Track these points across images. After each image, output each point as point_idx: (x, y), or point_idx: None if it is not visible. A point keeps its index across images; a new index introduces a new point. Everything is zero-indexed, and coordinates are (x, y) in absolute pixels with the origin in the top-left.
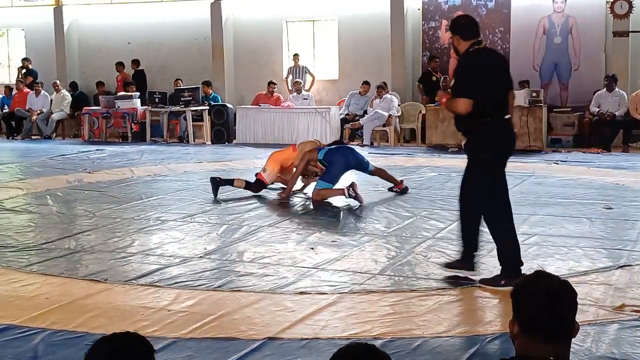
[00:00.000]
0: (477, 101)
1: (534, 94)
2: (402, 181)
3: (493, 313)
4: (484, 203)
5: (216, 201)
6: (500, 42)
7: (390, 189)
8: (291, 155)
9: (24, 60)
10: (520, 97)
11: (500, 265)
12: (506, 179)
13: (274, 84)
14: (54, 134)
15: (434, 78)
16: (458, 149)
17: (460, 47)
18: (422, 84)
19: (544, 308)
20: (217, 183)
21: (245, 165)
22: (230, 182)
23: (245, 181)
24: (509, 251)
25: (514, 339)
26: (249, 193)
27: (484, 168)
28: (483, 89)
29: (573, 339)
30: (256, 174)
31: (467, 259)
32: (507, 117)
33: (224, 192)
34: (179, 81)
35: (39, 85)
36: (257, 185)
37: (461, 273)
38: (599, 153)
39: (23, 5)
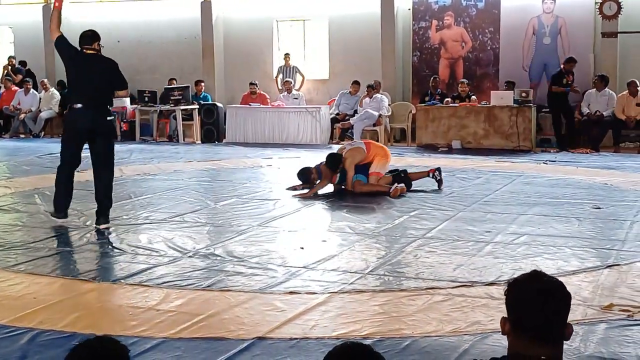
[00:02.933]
0: (69, 92)
1: (523, 94)
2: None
3: (482, 312)
4: (60, 164)
5: (206, 201)
6: (490, 43)
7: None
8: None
9: (10, 58)
10: (510, 98)
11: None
12: (79, 151)
13: (255, 84)
14: (43, 133)
15: (564, 80)
16: (448, 148)
17: None
18: (553, 85)
19: (534, 308)
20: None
21: (235, 164)
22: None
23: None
24: (57, 195)
25: (507, 337)
26: (238, 191)
27: (62, 141)
28: (69, 83)
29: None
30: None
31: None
32: (80, 105)
33: (215, 192)
34: (174, 80)
35: (29, 83)
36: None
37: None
38: (587, 153)
39: (11, 3)
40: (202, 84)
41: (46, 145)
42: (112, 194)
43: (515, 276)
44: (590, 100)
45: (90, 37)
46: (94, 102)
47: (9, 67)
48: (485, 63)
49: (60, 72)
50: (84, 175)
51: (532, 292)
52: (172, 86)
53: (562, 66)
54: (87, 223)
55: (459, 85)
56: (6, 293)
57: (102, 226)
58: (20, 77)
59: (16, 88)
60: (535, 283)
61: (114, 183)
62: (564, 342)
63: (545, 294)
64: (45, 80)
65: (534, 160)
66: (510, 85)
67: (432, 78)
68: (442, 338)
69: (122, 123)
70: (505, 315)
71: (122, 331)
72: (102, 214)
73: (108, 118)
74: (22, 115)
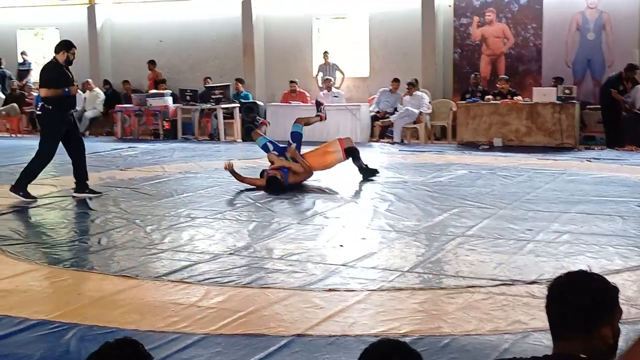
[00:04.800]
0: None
1: (566, 91)
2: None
3: (523, 311)
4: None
5: (246, 199)
6: (533, 39)
7: None
8: None
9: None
10: (553, 94)
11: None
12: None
13: (295, 82)
14: (87, 132)
15: (621, 87)
16: (489, 146)
17: None
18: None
19: (548, 303)
20: None
21: None
22: None
23: None
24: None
25: None
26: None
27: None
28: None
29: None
30: None
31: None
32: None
33: (254, 190)
34: (208, 79)
35: None
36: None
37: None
38: (632, 151)
39: (57, 4)
40: (240, 84)
41: (91, 144)
42: (30, 173)
43: (557, 275)
44: (636, 94)
45: (56, 46)
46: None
47: None
48: (528, 59)
49: (106, 71)
50: (127, 174)
51: (556, 287)
52: (213, 85)
53: (622, 71)
54: (131, 220)
55: (499, 82)
56: (52, 289)
57: (11, 193)
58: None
59: None
60: (564, 278)
61: (157, 181)
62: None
63: (569, 287)
64: (90, 80)
65: (578, 158)
66: (558, 82)
67: (473, 75)
68: (482, 337)
69: (164, 122)
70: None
71: (163, 327)
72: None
73: (37, 111)
74: None
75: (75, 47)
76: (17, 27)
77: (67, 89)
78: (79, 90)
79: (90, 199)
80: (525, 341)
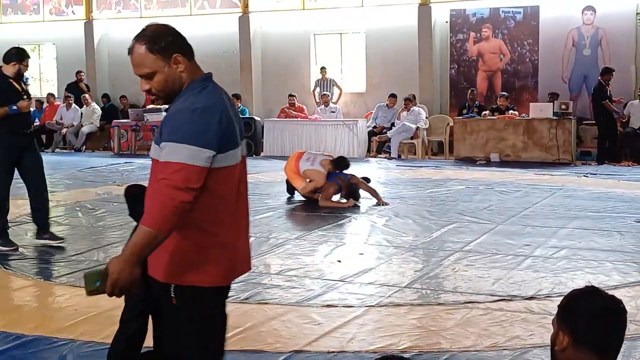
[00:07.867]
0: None
1: (563, 107)
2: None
3: (521, 327)
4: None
5: None
6: (529, 54)
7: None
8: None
9: (79, 72)
10: (549, 110)
11: None
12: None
13: (293, 96)
14: (84, 147)
15: (607, 92)
16: (486, 161)
17: None
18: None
19: (604, 325)
20: None
21: (272, 177)
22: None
23: None
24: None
25: (560, 352)
26: (276, 204)
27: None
28: None
29: None
30: None
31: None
32: None
33: (253, 205)
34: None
35: (70, 98)
36: None
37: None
38: (629, 166)
39: (54, 19)
40: (237, 99)
41: (87, 160)
42: None
43: (559, 290)
44: (632, 111)
45: (6, 54)
46: None
47: (84, 85)
48: (524, 75)
49: (103, 87)
50: (124, 189)
51: (598, 309)
52: None
53: (600, 78)
54: (127, 236)
55: (498, 99)
56: (48, 305)
57: None
58: (90, 94)
59: (58, 103)
60: (599, 300)
61: None
62: None
63: (611, 310)
64: (87, 95)
65: (575, 173)
66: (554, 97)
67: (469, 91)
68: (480, 353)
69: None
70: (552, 331)
71: None
72: None
73: None
74: (64, 130)
75: (29, 57)
76: (15, 43)
77: (14, 107)
78: (74, 105)
79: (52, 246)
80: (523, 357)
